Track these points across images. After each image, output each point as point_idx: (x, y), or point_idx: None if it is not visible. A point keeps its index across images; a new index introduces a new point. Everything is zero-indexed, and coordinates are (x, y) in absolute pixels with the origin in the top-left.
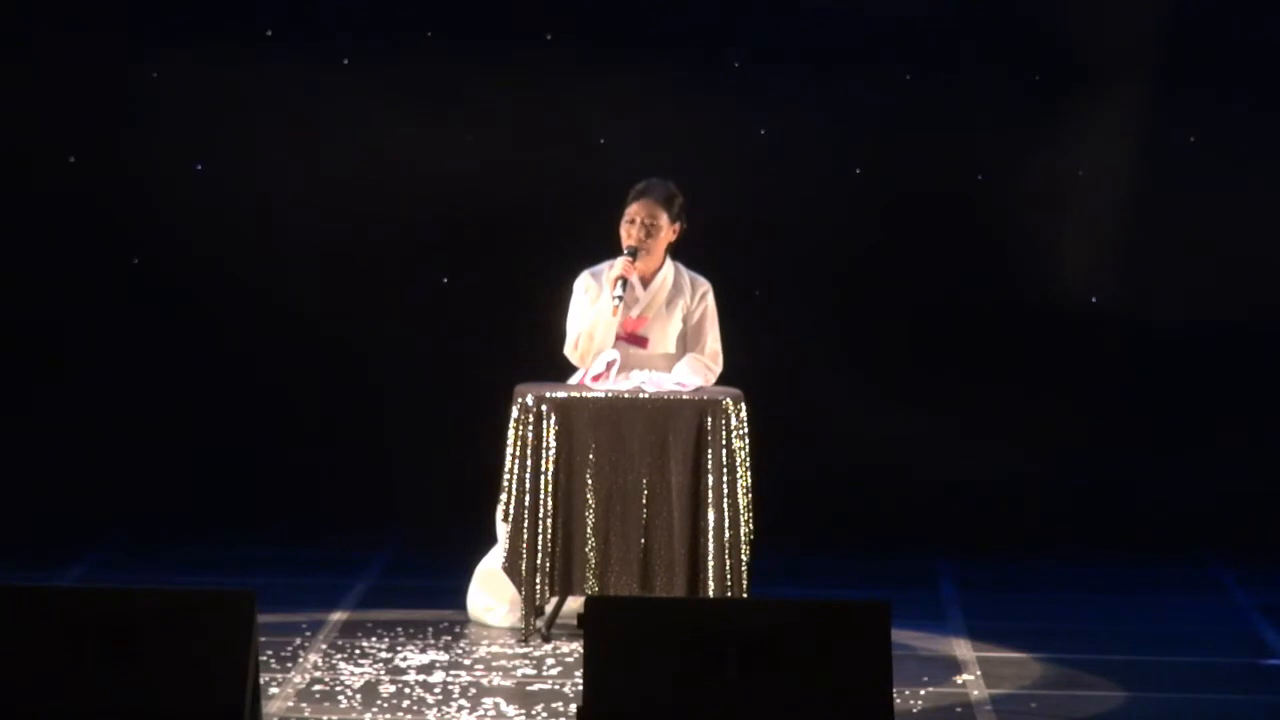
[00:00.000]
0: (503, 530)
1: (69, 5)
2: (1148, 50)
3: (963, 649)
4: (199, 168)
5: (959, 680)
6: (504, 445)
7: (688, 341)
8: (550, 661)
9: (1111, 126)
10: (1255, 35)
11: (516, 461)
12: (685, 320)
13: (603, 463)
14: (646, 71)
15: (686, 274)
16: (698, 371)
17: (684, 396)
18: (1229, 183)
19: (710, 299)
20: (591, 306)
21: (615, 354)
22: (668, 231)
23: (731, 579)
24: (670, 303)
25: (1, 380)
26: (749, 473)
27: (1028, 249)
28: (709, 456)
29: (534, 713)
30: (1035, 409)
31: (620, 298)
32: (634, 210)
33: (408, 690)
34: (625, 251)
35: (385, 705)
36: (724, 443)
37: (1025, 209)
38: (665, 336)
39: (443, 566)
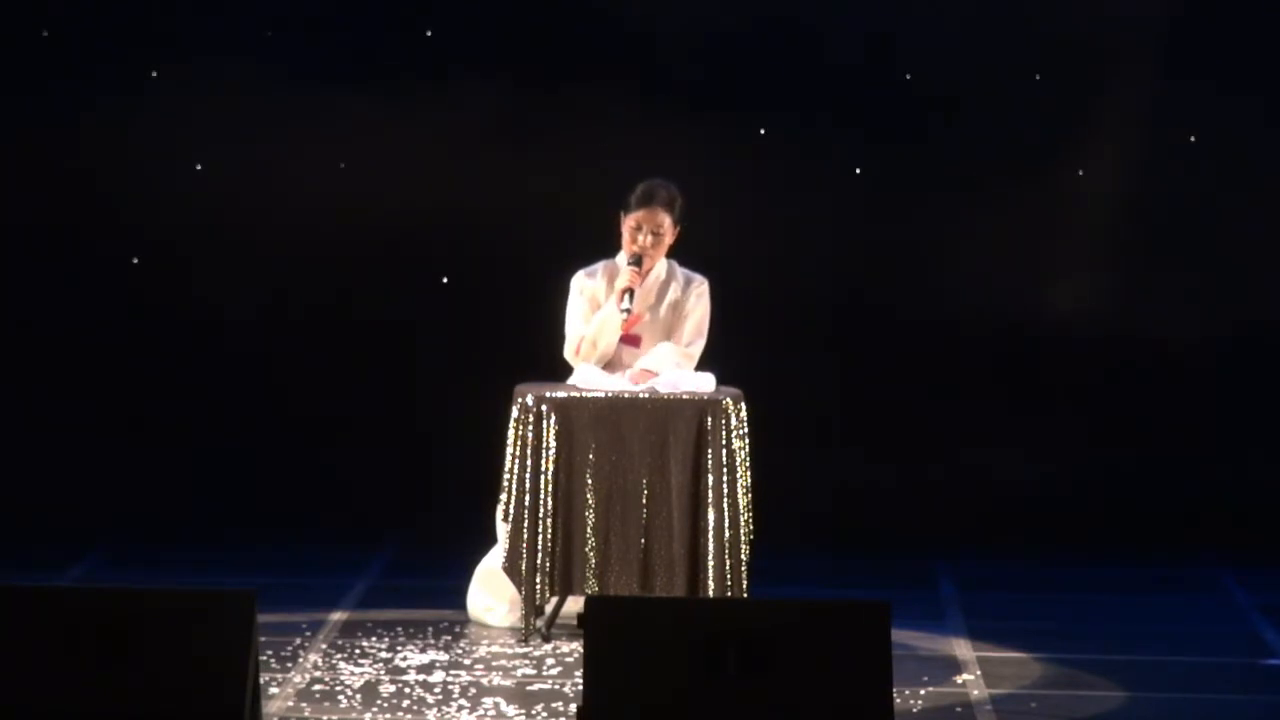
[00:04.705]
0: (503, 530)
1: (70, 5)
2: (1148, 51)
3: (963, 649)
4: (199, 168)
5: (959, 680)
6: (504, 445)
7: (673, 333)
8: (550, 661)
9: (1112, 129)
10: (1255, 35)
11: (516, 461)
12: (679, 318)
13: (603, 463)
14: (648, 73)
15: (681, 272)
16: (680, 363)
17: (684, 396)
18: (1227, 186)
19: (706, 295)
20: (589, 307)
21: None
22: (670, 235)
23: (731, 579)
24: (664, 301)
25: (1, 380)
26: (749, 473)
27: (1026, 250)
28: (709, 456)
29: (534, 713)
30: (1035, 408)
31: (628, 310)
32: (640, 217)
33: (408, 690)
34: (629, 260)
35: (385, 705)
36: (724, 443)
37: (1024, 209)
38: (658, 335)
39: (443, 566)
